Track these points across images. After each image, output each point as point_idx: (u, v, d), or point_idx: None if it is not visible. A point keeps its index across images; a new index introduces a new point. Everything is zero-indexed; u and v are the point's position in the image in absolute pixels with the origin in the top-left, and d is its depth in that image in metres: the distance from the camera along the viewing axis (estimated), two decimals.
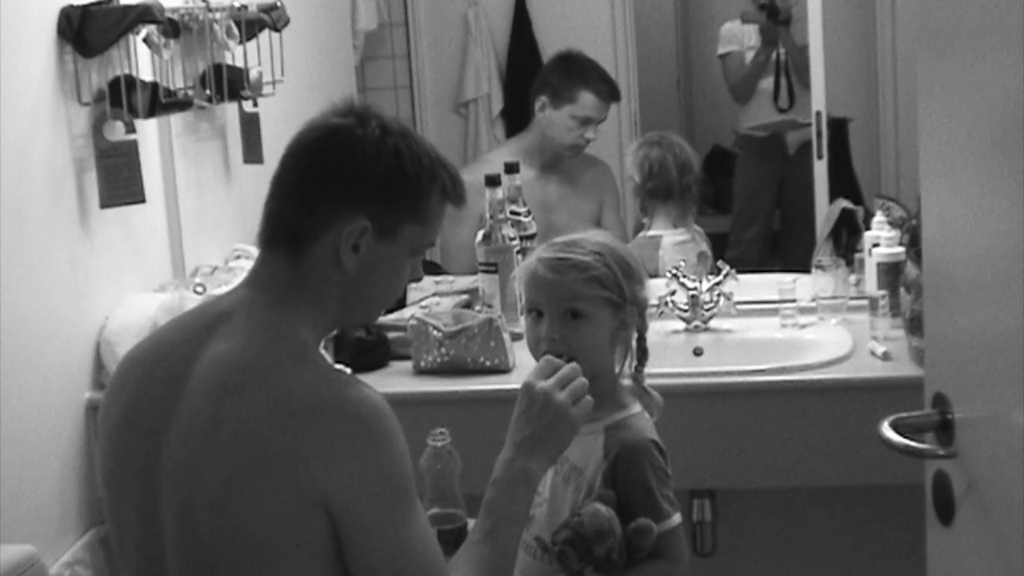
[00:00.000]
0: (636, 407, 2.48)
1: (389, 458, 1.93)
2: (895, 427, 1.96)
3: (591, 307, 2.42)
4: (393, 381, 3.43)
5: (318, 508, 1.91)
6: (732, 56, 5.36)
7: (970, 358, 1.87)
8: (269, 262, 2.08)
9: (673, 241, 4.17)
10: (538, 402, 2.16)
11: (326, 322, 2.09)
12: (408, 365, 3.51)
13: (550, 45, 5.15)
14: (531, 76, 4.67)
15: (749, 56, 5.30)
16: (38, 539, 2.99)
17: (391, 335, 3.59)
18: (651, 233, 4.21)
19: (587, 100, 4.34)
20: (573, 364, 2.22)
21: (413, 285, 3.73)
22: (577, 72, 4.38)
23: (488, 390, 3.31)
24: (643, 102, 5.40)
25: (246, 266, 3.11)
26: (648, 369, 2.53)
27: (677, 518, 2.38)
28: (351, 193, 2.02)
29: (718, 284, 3.69)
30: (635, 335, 2.49)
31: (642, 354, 2.50)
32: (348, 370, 3.17)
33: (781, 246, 5.33)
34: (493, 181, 3.66)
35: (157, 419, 2.02)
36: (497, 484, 2.13)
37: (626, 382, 2.50)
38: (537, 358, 2.33)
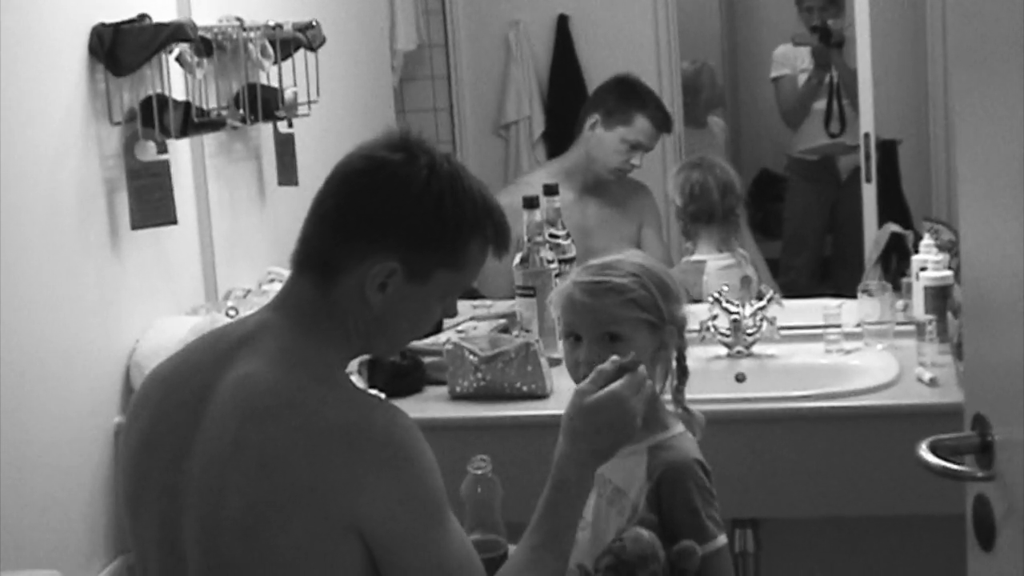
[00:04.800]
0: (679, 427, 2.50)
1: (419, 479, 1.95)
2: (933, 449, 1.95)
3: (630, 330, 2.44)
4: (429, 406, 3.48)
5: (348, 531, 1.93)
6: (785, 79, 5.34)
7: (1010, 379, 1.85)
8: (298, 285, 2.09)
9: (718, 266, 4.19)
10: (615, 410, 2.17)
11: (351, 348, 2.11)
12: (444, 390, 3.55)
13: (593, 68, 5.18)
14: (573, 99, 4.70)
15: (802, 79, 5.29)
16: (65, 565, 3.01)
17: (426, 360, 3.62)
18: (695, 258, 4.22)
19: (641, 125, 4.41)
20: (642, 367, 2.23)
21: None
22: (634, 96, 4.45)
23: (525, 416, 3.34)
24: (688, 127, 5.38)
25: None
26: (690, 395, 2.56)
27: (722, 539, 2.39)
28: (384, 233, 2.03)
29: (761, 309, 3.71)
30: (675, 355, 2.52)
31: (682, 373, 2.53)
32: (382, 395, 3.18)
33: (833, 272, 5.30)
34: (531, 203, 3.70)
35: (178, 442, 2.03)
36: (565, 487, 2.14)
37: (668, 404, 2.52)
38: (577, 382, 2.33)
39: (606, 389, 2.19)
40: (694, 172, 4.26)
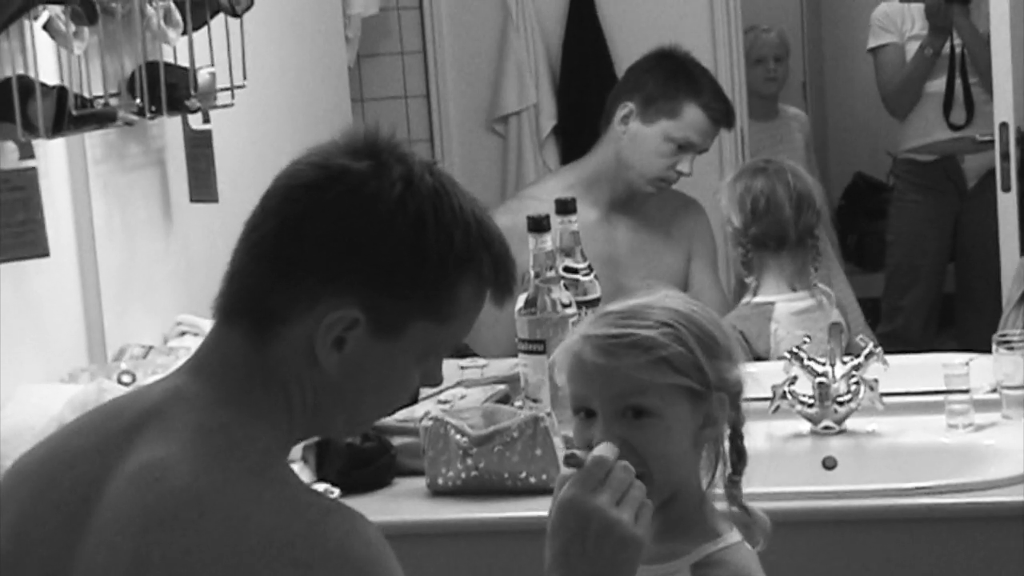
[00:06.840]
0: (733, 535, 2.46)
1: None
2: None
3: (660, 401, 2.42)
4: (400, 506, 3.51)
5: None
6: (888, 50, 5.39)
7: None
8: (224, 341, 2.08)
9: (791, 309, 4.22)
10: (594, 526, 2.19)
11: (296, 428, 2.10)
12: (421, 483, 3.58)
13: (623, 38, 5.26)
14: (597, 81, 4.80)
15: (911, 50, 5.32)
16: None
17: (397, 441, 3.64)
18: (759, 299, 4.25)
19: (693, 118, 4.43)
20: (624, 464, 2.26)
21: None
22: (685, 79, 4.47)
23: (530, 518, 3.15)
24: (752, 119, 5.44)
25: (195, 346, 3.17)
26: (752, 488, 2.54)
27: None
28: (342, 270, 2.03)
29: (857, 368, 3.70)
30: (727, 432, 2.50)
31: (739, 458, 2.51)
32: (334, 491, 3.27)
33: (957, 316, 5.35)
34: (539, 225, 3.72)
35: (52, 562, 2.00)
36: None
37: (719, 503, 2.50)
38: None
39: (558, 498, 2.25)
40: (757, 180, 4.24)
